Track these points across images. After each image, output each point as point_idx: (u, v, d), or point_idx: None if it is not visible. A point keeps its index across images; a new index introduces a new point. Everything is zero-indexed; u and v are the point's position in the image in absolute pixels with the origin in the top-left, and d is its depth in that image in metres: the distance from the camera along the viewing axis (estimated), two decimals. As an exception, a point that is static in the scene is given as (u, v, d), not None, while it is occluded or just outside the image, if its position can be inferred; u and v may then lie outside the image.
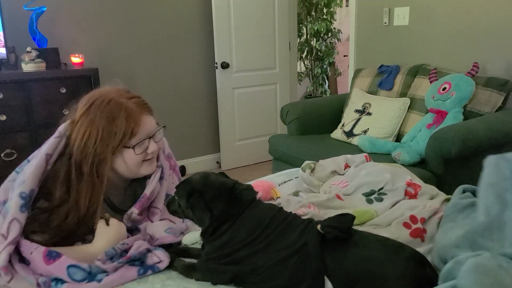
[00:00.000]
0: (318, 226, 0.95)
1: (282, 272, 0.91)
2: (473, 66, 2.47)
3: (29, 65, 2.63)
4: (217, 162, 3.94)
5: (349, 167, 1.48)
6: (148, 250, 1.08)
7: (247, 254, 0.95)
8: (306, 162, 1.50)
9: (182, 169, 3.71)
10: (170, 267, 1.06)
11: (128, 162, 1.17)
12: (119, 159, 1.16)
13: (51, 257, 0.98)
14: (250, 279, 0.95)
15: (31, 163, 1.13)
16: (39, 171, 1.09)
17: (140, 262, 1.06)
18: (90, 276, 0.99)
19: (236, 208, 1.01)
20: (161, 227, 1.19)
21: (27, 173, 1.09)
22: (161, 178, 1.27)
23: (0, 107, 2.51)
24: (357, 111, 2.91)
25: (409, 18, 3.07)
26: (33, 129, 2.63)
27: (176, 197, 1.07)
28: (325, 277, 0.86)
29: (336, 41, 5.83)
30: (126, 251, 1.07)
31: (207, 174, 1.07)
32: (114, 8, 3.24)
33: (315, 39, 5.70)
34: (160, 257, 1.07)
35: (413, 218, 1.13)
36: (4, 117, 2.53)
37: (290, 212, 1.06)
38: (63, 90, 2.70)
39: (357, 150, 2.55)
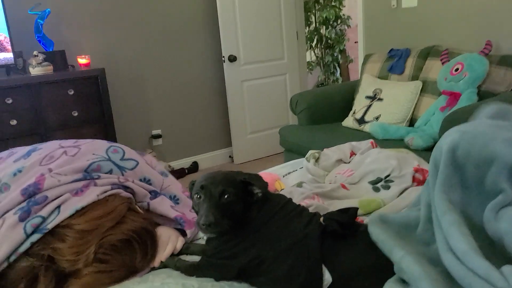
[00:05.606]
0: (321, 218, 0.93)
1: (282, 263, 0.88)
2: (486, 44, 2.37)
3: (37, 69, 2.66)
4: (230, 156, 3.92)
5: (355, 154, 1.43)
6: None
7: (250, 244, 0.93)
8: (311, 151, 1.46)
9: (195, 165, 3.71)
10: (172, 267, 1.04)
11: None
12: None
13: None
14: (254, 272, 0.92)
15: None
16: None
17: None
18: None
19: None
20: None
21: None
22: None
23: (10, 112, 2.54)
24: (368, 97, 2.85)
25: (417, -1, 2.98)
26: (44, 132, 2.65)
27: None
28: (325, 269, 0.83)
29: (346, 27, 5.72)
30: None
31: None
32: (118, 7, 3.23)
33: (324, 26, 5.60)
34: None
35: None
36: (14, 122, 2.56)
37: (299, 205, 1.03)
38: (71, 92, 2.71)
39: (369, 137, 2.49)
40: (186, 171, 3.60)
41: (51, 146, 1.10)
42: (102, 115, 2.84)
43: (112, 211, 0.96)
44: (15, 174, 1.00)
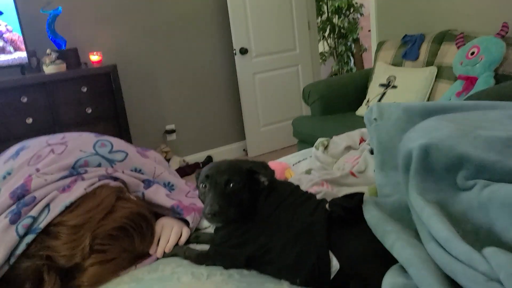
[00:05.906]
0: (327, 205, 0.91)
1: (290, 251, 0.87)
2: (503, 26, 2.30)
3: (50, 67, 2.69)
4: (244, 150, 3.92)
5: (365, 141, 1.41)
6: None
7: (258, 233, 0.92)
8: (320, 139, 1.44)
9: (209, 159, 3.72)
10: (181, 256, 1.05)
11: None
12: None
13: None
14: (262, 260, 0.92)
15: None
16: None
17: None
18: None
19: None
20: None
21: None
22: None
23: (26, 110, 2.59)
24: (381, 85, 2.80)
25: (430, -18, 2.90)
26: (59, 129, 2.69)
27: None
28: (332, 255, 0.82)
29: (359, 16, 5.62)
30: None
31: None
32: (128, 3, 3.25)
33: (337, 16, 5.53)
34: None
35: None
36: (30, 120, 2.60)
37: (306, 192, 1.01)
38: (85, 89, 2.74)
39: (382, 125, 2.46)
40: (201, 165, 3.61)
41: (38, 144, 1.10)
42: (116, 112, 2.87)
43: (101, 203, 0.96)
44: (4, 177, 1.01)
